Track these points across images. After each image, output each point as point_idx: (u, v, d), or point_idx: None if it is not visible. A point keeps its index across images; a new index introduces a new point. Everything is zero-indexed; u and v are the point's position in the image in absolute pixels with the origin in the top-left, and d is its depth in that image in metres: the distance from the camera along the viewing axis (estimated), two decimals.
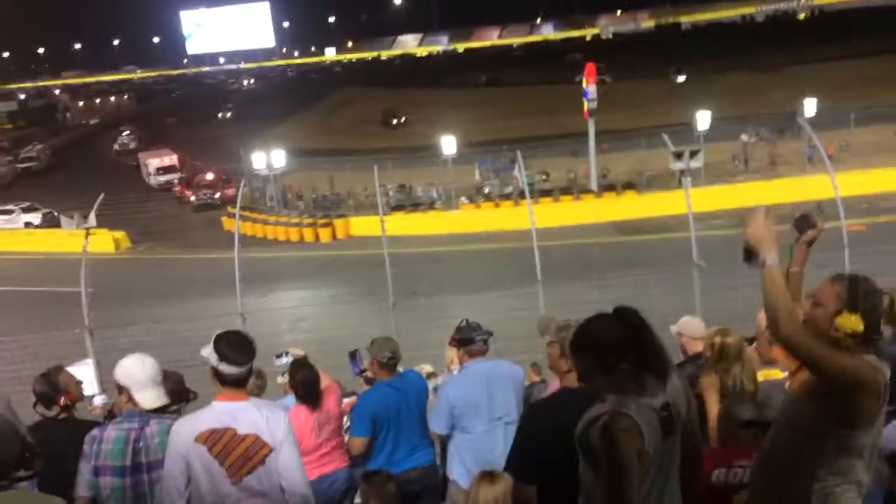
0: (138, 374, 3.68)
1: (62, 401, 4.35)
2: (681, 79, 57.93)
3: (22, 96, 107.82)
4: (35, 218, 34.73)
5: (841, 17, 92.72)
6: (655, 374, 2.55)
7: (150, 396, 3.66)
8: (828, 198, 12.49)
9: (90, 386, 8.16)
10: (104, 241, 26.71)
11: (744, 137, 32.30)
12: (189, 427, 3.30)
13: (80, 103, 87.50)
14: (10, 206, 35.68)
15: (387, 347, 5.03)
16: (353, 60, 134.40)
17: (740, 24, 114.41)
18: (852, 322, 2.57)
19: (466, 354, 4.83)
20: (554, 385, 4.28)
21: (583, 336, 2.64)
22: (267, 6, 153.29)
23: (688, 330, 5.37)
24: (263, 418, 3.32)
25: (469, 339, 4.80)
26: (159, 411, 3.71)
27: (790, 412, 2.76)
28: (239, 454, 3.24)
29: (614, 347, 2.54)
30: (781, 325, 2.53)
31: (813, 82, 42.64)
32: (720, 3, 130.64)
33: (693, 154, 11.96)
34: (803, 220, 3.08)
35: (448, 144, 28.61)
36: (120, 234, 29.39)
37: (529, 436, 3.41)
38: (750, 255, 2.75)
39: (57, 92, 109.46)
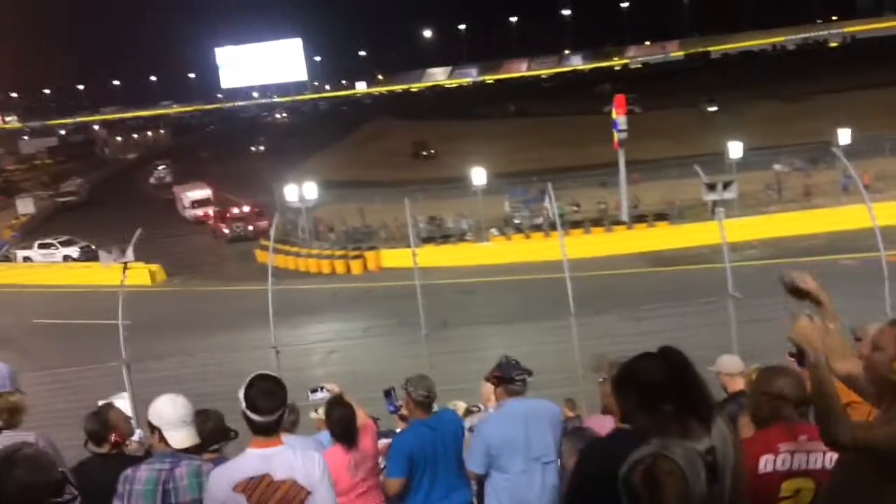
0: (169, 413, 3.68)
1: (112, 438, 4.39)
2: (712, 108, 57.67)
3: (62, 132, 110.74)
4: (74, 251, 35.40)
5: (873, 45, 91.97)
6: (699, 417, 2.50)
7: (180, 436, 3.66)
8: (865, 227, 12.29)
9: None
10: (140, 274, 27.16)
11: (777, 167, 31.98)
12: (226, 476, 3.30)
13: (118, 138, 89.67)
14: (49, 240, 36.45)
15: (422, 386, 4.98)
16: (384, 93, 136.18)
17: (770, 53, 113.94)
18: None
19: (505, 392, 4.79)
20: (594, 422, 4.22)
21: (626, 375, 2.62)
22: (299, 42, 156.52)
23: (725, 368, 5.31)
24: (299, 461, 3.31)
25: (510, 379, 4.75)
26: (191, 451, 3.72)
27: (847, 470, 2.68)
28: (277, 500, 3.24)
29: (657, 388, 2.50)
30: (833, 431, 2.54)
31: (846, 111, 42.22)
32: (750, 32, 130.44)
33: (727, 185, 11.82)
34: (792, 289, 3.11)
35: (478, 175, 28.73)
36: (156, 267, 29.85)
37: (585, 476, 3.37)
38: (802, 356, 2.77)
39: (96, 127, 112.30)
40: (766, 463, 2.96)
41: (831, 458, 2.85)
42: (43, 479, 2.72)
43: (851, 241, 20.98)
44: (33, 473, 2.69)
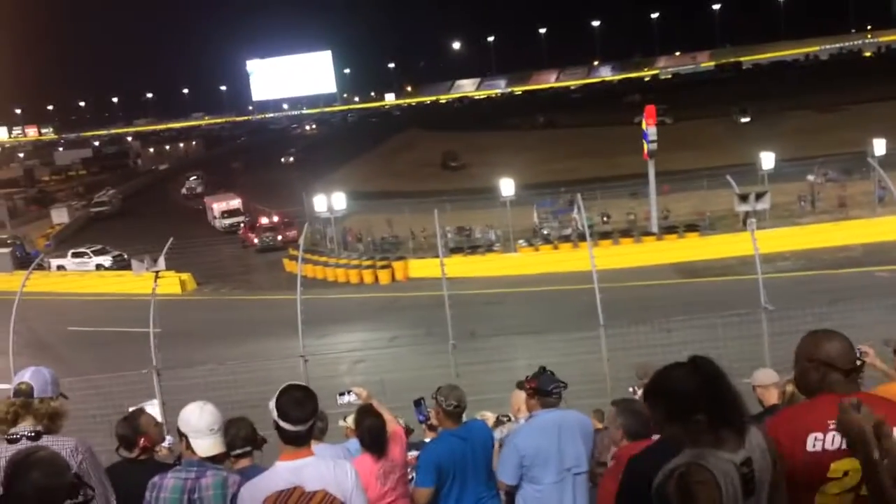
0: (195, 421, 3.70)
1: (141, 443, 4.43)
2: (745, 119, 56.87)
3: (96, 143, 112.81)
4: (106, 260, 35.96)
5: None
6: (733, 428, 2.44)
7: (206, 444, 3.67)
8: None
9: None
10: (171, 283, 27.48)
11: (810, 178, 31.52)
12: (256, 492, 3.27)
13: (151, 150, 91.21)
14: (82, 249, 37.07)
15: (452, 396, 4.96)
16: (412, 104, 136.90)
17: (803, 63, 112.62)
18: None
19: (539, 404, 4.76)
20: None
21: (656, 385, 2.56)
22: (329, 55, 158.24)
23: (760, 380, 5.24)
24: (331, 472, 3.29)
25: (547, 391, 4.74)
26: (218, 460, 3.73)
27: None
28: None
29: (688, 397, 2.45)
30: None
31: (881, 121, 41.47)
32: (782, 42, 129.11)
33: (759, 196, 11.70)
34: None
35: (506, 186, 28.69)
36: (186, 276, 30.21)
37: (629, 487, 3.32)
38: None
39: (129, 139, 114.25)
40: (814, 441, 2.76)
41: None
42: (57, 481, 2.77)
43: (887, 253, 20.62)
44: (49, 476, 2.74)
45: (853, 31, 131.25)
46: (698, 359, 2.53)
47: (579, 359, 11.23)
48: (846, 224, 26.51)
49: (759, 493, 2.45)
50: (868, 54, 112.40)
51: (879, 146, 27.30)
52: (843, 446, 2.73)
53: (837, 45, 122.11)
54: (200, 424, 3.69)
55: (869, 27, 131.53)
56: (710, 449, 2.43)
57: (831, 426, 2.75)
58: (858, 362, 2.96)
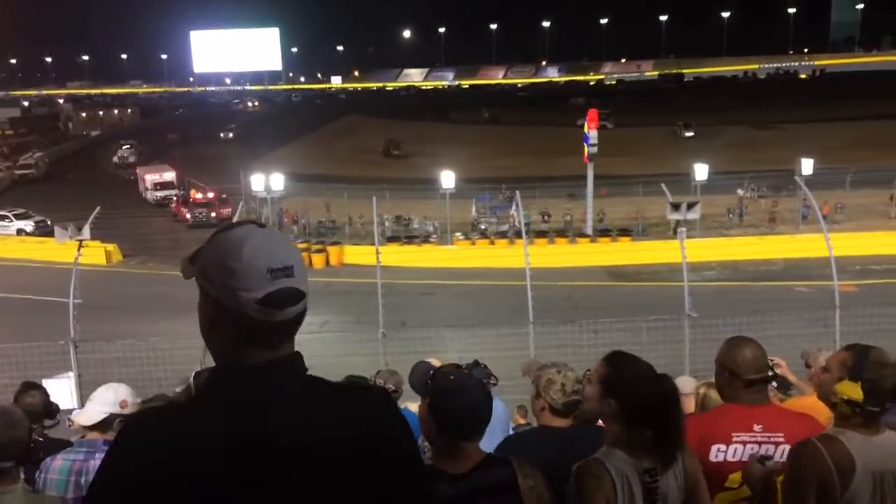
0: (99, 392, 3.65)
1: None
2: (689, 134, 56.93)
3: (25, 103, 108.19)
4: (28, 225, 34.61)
5: (842, 80, 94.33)
6: (663, 449, 2.47)
7: (84, 411, 3.64)
8: (821, 256, 12.54)
9: (69, 400, 8.06)
10: (96, 254, 26.58)
11: (740, 192, 32.58)
12: None
13: (83, 114, 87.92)
14: (3, 212, 35.58)
15: (391, 380, 4.98)
16: (359, 89, 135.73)
17: (742, 79, 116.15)
18: (851, 389, 2.56)
19: None
20: None
21: (621, 389, 2.54)
22: (276, 32, 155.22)
23: (681, 389, 5.33)
24: None
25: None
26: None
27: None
28: None
29: (645, 415, 2.47)
30: None
31: (811, 142, 43.22)
32: (723, 58, 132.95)
33: (691, 206, 12.01)
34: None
35: (447, 179, 28.73)
36: (112, 247, 29.28)
37: None
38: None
39: (61, 101, 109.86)
40: (717, 452, 2.89)
41: (784, 451, 2.79)
42: (13, 433, 2.75)
43: (807, 269, 21.43)
44: (7, 428, 2.73)
45: (791, 52, 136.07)
46: (667, 379, 2.54)
47: (507, 354, 11.33)
48: (771, 239, 27.48)
49: None
50: (803, 76, 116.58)
51: (807, 165, 28.38)
52: (744, 458, 2.85)
53: (775, 65, 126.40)
54: (101, 395, 3.65)
55: (806, 50, 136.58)
56: (621, 451, 2.47)
57: (734, 439, 2.87)
58: (771, 373, 3.07)
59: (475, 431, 2.43)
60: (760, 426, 2.89)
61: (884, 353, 2.63)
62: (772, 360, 3.25)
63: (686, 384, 5.34)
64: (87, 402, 3.65)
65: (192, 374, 4.04)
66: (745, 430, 2.89)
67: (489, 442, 4.60)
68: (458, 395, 2.41)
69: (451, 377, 2.51)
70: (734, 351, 2.99)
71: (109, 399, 3.66)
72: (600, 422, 3.53)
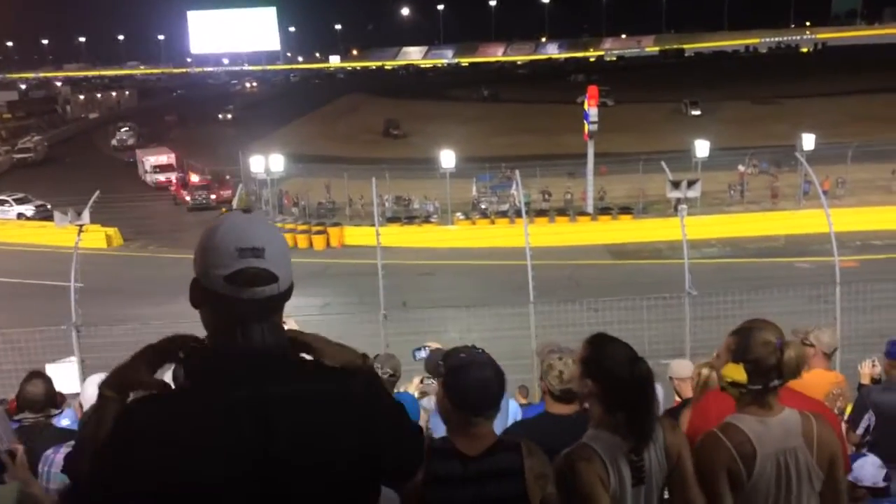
0: (92, 394, 3.60)
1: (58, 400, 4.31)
2: (696, 112, 54.75)
3: (23, 86, 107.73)
4: (28, 210, 34.59)
5: (844, 53, 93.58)
6: (637, 429, 2.52)
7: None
8: (822, 232, 12.52)
9: (72, 384, 8.06)
10: (96, 238, 26.62)
11: (741, 168, 32.47)
12: None
13: (81, 97, 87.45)
14: (3, 196, 35.56)
15: (388, 364, 5.03)
16: (357, 69, 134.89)
17: (743, 54, 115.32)
18: (734, 371, 2.62)
19: None
20: None
21: (599, 370, 2.59)
22: (274, 11, 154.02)
23: (677, 373, 5.30)
24: None
25: None
26: None
27: None
28: None
29: (619, 396, 2.52)
30: None
31: (813, 116, 42.97)
32: (724, 32, 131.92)
33: (691, 184, 11.96)
34: None
35: (447, 158, 28.63)
36: (112, 231, 29.29)
37: None
38: None
39: (58, 84, 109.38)
40: None
41: None
42: None
43: (808, 245, 21.42)
44: None
45: (793, 25, 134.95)
46: (639, 360, 2.57)
47: (507, 334, 11.37)
48: (772, 215, 27.45)
49: (650, 486, 2.52)
50: (805, 50, 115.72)
51: (808, 141, 28.25)
52: None
53: (776, 39, 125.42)
54: (93, 396, 3.57)
55: (808, 23, 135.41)
56: (606, 432, 2.52)
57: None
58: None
59: (485, 405, 2.48)
60: None
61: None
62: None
63: (683, 368, 5.31)
64: (82, 398, 3.62)
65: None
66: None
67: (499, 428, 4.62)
68: (468, 370, 2.48)
69: (462, 354, 2.57)
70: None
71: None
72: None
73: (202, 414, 1.54)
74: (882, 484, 3.86)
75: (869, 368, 5.90)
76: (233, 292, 1.60)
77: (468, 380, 2.46)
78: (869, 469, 3.88)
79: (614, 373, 2.53)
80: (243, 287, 1.60)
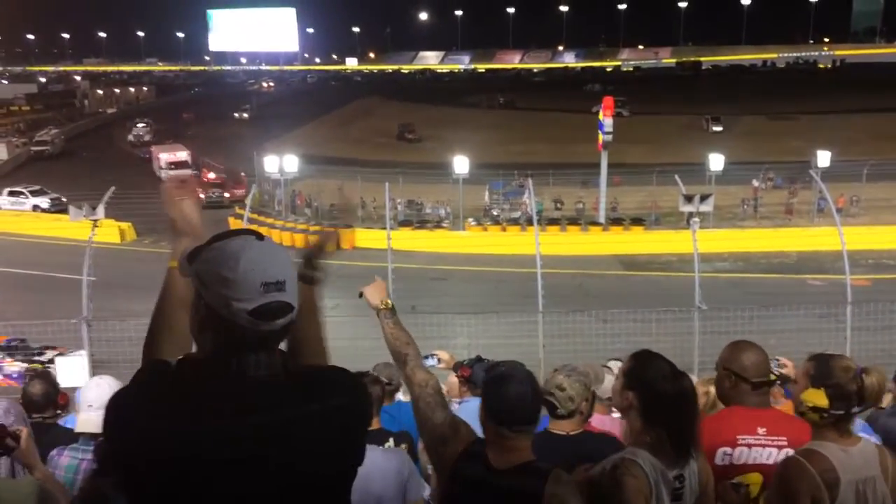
0: (90, 395, 3.55)
1: (60, 400, 4.26)
2: (717, 129, 53.72)
3: (42, 79, 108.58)
4: (44, 202, 34.82)
5: (862, 71, 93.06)
6: (679, 449, 2.52)
7: (83, 420, 3.50)
8: (835, 249, 12.44)
9: (80, 378, 8.11)
10: (110, 232, 26.74)
11: (755, 183, 32.32)
12: None
13: (100, 91, 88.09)
14: (19, 188, 35.81)
15: (385, 374, 4.99)
16: (374, 72, 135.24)
17: (760, 68, 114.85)
18: (815, 397, 2.63)
19: (469, 391, 4.80)
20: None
21: (642, 383, 2.60)
22: (293, 12, 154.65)
23: None
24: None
25: (477, 385, 4.74)
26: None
27: None
28: None
29: (661, 412, 2.53)
30: None
31: (829, 133, 42.73)
32: (741, 46, 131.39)
33: (704, 198, 11.93)
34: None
35: (461, 164, 28.65)
36: (126, 226, 29.42)
37: None
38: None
39: (77, 78, 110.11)
40: (723, 455, 2.92)
41: (787, 454, 2.82)
42: None
43: (821, 262, 21.29)
44: None
45: (811, 41, 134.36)
46: (682, 375, 2.59)
47: (516, 342, 11.37)
48: (784, 231, 27.29)
49: None
50: (823, 66, 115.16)
51: (824, 158, 28.09)
52: (749, 461, 2.89)
53: (795, 55, 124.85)
54: (94, 399, 3.52)
55: (826, 40, 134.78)
56: (646, 452, 2.51)
57: (740, 441, 2.90)
58: (773, 376, 3.10)
59: (517, 420, 2.46)
60: (764, 429, 2.91)
61: (846, 360, 2.69)
62: (777, 360, 3.26)
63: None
64: (80, 406, 3.56)
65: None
66: (749, 432, 2.91)
67: None
68: (506, 383, 2.49)
69: (503, 367, 2.59)
70: (740, 354, 3.02)
71: (106, 397, 3.60)
72: (601, 426, 3.54)
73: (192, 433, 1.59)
74: None
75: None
76: (255, 325, 1.64)
77: (503, 393, 2.47)
78: None
79: (656, 386, 2.53)
80: (267, 321, 1.64)
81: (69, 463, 3.43)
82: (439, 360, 5.54)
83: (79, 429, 3.51)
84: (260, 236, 1.74)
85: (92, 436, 3.46)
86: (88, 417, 3.50)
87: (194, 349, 1.80)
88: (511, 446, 2.45)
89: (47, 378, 4.38)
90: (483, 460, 2.45)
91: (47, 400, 4.22)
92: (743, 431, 2.91)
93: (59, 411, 4.29)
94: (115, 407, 1.69)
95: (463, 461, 2.45)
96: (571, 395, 3.16)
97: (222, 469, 1.58)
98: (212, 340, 1.68)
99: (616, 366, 5.71)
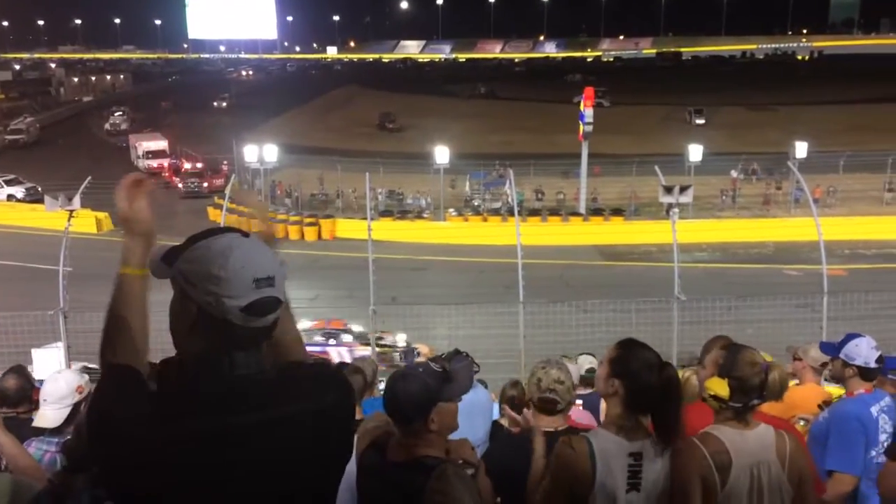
0: (47, 388, 3.54)
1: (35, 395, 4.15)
2: (700, 121, 53.50)
3: (17, 67, 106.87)
4: (18, 191, 34.33)
5: (840, 62, 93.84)
6: (661, 434, 2.56)
7: (40, 415, 3.49)
8: (811, 240, 12.57)
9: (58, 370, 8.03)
10: (86, 222, 26.41)
11: (733, 174, 32.58)
12: None
13: (75, 79, 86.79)
14: None
15: (365, 368, 5.00)
16: (354, 60, 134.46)
17: (740, 59, 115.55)
18: (717, 386, 2.71)
19: None
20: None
21: (628, 371, 2.63)
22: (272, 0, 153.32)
23: None
24: None
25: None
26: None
27: None
28: None
29: (646, 399, 2.58)
30: None
31: (807, 124, 43.15)
32: (721, 37, 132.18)
33: (683, 189, 11.98)
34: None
35: (441, 154, 28.62)
36: (103, 215, 29.07)
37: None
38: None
39: (52, 66, 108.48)
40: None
41: None
42: None
43: (798, 252, 21.52)
44: None
45: (790, 33, 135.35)
46: (667, 365, 2.62)
47: (496, 332, 11.39)
48: (762, 222, 27.57)
49: (647, 497, 2.55)
50: (801, 57, 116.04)
51: (801, 149, 28.37)
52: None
53: (773, 46, 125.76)
54: (55, 393, 3.51)
55: (805, 31, 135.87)
56: (608, 431, 2.59)
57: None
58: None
59: (396, 417, 2.55)
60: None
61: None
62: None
63: None
64: (41, 403, 3.54)
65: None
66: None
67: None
68: (397, 380, 2.57)
69: (409, 367, 2.71)
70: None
71: (63, 392, 3.55)
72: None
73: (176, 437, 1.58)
74: (874, 365, 3.69)
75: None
76: (247, 322, 1.65)
77: (393, 390, 2.55)
78: (864, 348, 3.69)
79: (641, 375, 2.57)
80: (259, 317, 1.66)
81: (33, 454, 3.42)
82: (419, 353, 5.56)
83: (36, 423, 3.51)
84: (244, 233, 1.74)
85: (56, 430, 3.45)
86: (44, 413, 3.50)
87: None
88: (403, 442, 2.53)
89: (21, 372, 4.31)
90: (383, 452, 2.55)
91: (22, 395, 4.15)
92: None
93: (33, 406, 4.23)
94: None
95: (370, 449, 2.58)
96: (569, 386, 3.24)
97: (220, 468, 1.59)
98: (202, 340, 1.67)
99: (587, 360, 5.76)
